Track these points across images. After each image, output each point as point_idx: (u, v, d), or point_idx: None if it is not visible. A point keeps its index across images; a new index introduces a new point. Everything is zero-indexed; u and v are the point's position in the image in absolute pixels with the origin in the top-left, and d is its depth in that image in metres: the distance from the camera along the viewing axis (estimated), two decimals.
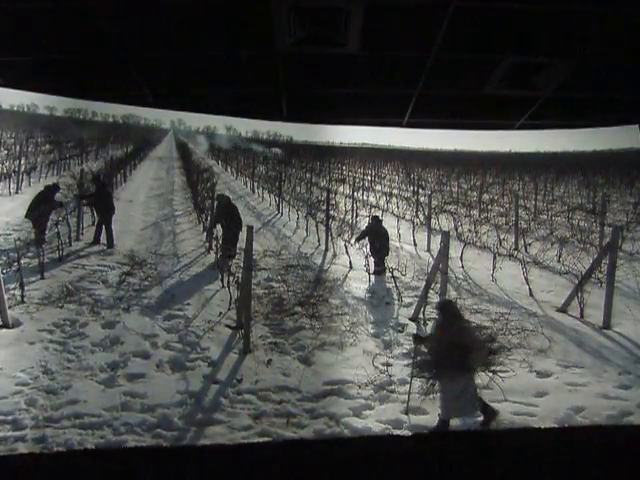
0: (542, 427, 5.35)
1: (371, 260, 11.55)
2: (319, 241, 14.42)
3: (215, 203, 13.39)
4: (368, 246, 11.90)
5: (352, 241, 12.61)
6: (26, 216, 12.26)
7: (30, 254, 10.70)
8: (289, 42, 1.80)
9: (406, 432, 5.51)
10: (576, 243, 14.09)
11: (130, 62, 1.98)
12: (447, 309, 5.74)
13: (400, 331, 8.28)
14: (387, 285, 10.70)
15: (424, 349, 5.80)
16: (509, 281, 11.13)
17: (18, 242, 10.21)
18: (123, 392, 6.07)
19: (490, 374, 5.91)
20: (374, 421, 5.75)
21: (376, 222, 12.42)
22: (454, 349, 5.33)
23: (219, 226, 12.23)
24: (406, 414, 5.86)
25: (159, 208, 19.12)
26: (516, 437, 1.71)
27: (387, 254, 11.84)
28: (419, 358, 5.82)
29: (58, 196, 13.47)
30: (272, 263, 12.03)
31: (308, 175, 30.82)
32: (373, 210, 17.77)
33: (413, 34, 1.79)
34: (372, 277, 11.24)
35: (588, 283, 9.40)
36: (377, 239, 11.83)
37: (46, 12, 1.67)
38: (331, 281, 10.88)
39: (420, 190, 25.06)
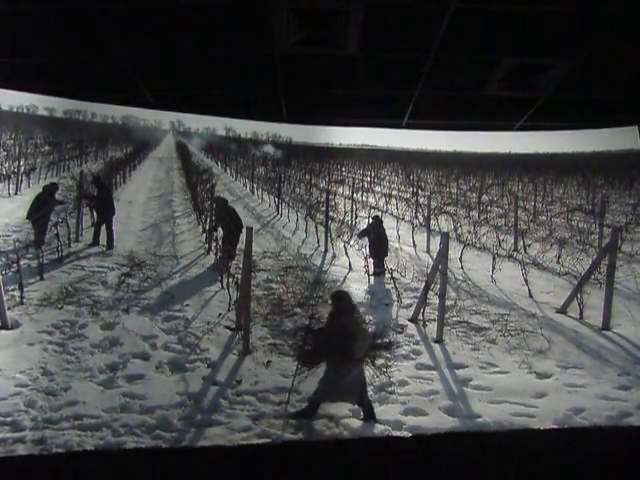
0: (542, 428, 5.36)
1: (370, 261, 11.58)
2: (318, 242, 14.43)
3: (214, 205, 13.38)
4: (367, 247, 11.93)
5: (352, 241, 12.63)
6: (27, 217, 12.27)
7: (29, 255, 10.70)
8: (288, 43, 1.80)
9: (405, 433, 5.51)
10: (575, 244, 14.10)
11: (129, 63, 1.98)
12: (339, 299, 5.82)
13: (399, 332, 8.28)
14: (386, 286, 10.71)
15: (313, 340, 5.85)
16: (508, 282, 11.13)
17: (17, 243, 10.20)
18: (122, 393, 6.06)
19: (376, 366, 5.98)
20: (373, 422, 5.74)
21: (377, 222, 12.43)
22: (341, 338, 5.44)
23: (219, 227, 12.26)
24: (405, 415, 5.86)
25: (159, 209, 19.13)
26: (516, 438, 1.71)
27: (386, 255, 11.86)
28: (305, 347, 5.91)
29: (58, 196, 13.45)
30: (271, 264, 12.04)
31: (307, 176, 30.84)
32: (373, 211, 17.77)
33: (413, 35, 1.80)
34: (371, 278, 11.24)
35: (587, 284, 9.41)
36: (377, 240, 11.84)
37: (46, 13, 1.67)
38: (330, 282, 10.88)
39: (419, 191, 25.09)
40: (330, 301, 5.97)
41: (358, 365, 5.61)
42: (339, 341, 5.47)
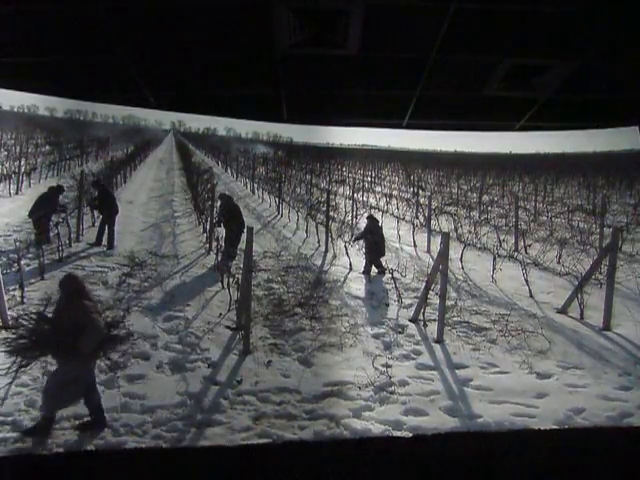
0: (542, 428, 5.36)
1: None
2: (319, 242, 14.43)
3: (218, 203, 13.37)
4: (364, 247, 11.92)
5: (352, 241, 12.58)
6: (29, 215, 12.29)
7: (30, 255, 10.71)
8: (289, 43, 1.80)
9: (406, 433, 5.51)
10: (576, 244, 14.11)
11: (131, 63, 1.98)
12: (67, 284, 5.17)
13: (400, 332, 8.28)
14: (387, 286, 10.70)
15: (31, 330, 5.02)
16: (509, 282, 11.13)
17: (18, 243, 10.21)
18: (123, 393, 6.06)
19: (108, 362, 5.40)
20: (374, 422, 5.74)
21: (372, 222, 12.28)
22: (68, 329, 4.82)
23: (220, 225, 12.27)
24: (406, 415, 5.86)
25: (159, 209, 19.14)
26: (516, 438, 1.71)
27: (383, 255, 11.84)
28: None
29: (61, 198, 13.48)
30: (272, 264, 12.04)
31: (308, 176, 30.85)
32: (373, 211, 17.76)
33: (413, 35, 1.80)
34: (372, 278, 11.24)
35: (588, 284, 9.41)
36: (375, 240, 11.78)
37: (47, 13, 1.67)
38: (331, 282, 10.88)
39: (420, 191, 25.08)
40: (59, 287, 5.22)
41: (85, 364, 5.04)
42: (60, 332, 4.82)
